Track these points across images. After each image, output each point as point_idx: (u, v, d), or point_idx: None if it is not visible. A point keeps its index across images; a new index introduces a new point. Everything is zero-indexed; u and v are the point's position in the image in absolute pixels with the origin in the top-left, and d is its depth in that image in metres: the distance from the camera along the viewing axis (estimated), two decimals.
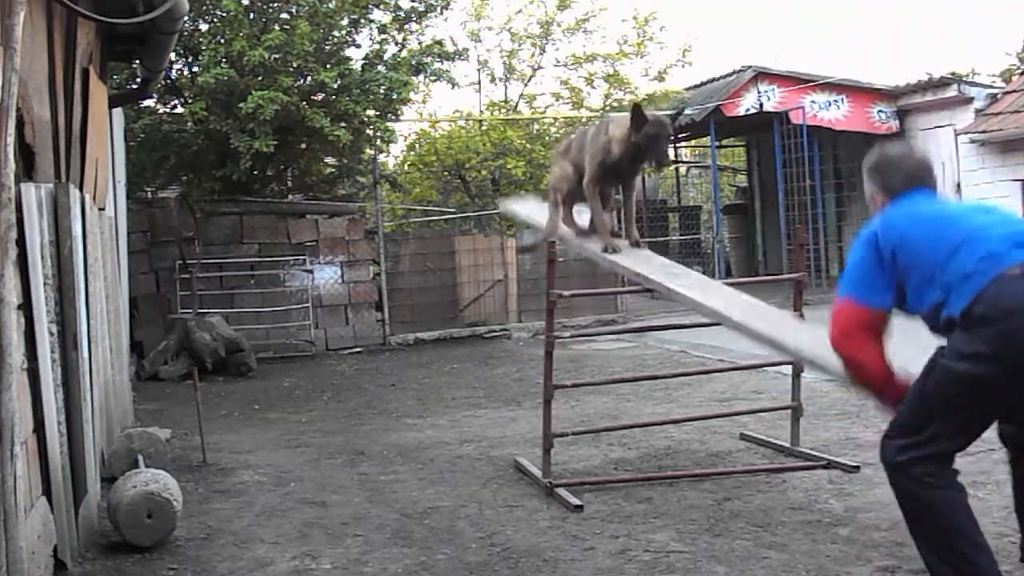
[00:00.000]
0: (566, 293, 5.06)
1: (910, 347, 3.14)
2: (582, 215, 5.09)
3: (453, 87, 12.05)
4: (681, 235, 18.10)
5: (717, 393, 7.06)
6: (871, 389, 3.19)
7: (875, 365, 3.10)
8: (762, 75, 14.37)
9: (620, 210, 5.51)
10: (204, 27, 10.60)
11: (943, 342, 2.97)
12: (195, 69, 10.46)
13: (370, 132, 11.00)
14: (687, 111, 14.95)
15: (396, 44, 11.46)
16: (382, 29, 11.33)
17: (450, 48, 11.74)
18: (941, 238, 2.97)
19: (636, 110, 4.69)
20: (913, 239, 3.03)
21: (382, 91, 10.54)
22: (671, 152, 5.03)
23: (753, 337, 4.00)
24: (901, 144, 3.28)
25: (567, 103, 16.16)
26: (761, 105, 14.29)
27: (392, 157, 15.90)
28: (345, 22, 10.95)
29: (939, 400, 2.91)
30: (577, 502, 4.33)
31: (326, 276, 11.61)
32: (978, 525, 2.91)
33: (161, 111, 11.03)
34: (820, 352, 3.50)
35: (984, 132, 12.41)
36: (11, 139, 3.04)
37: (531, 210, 5.79)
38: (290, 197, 12.59)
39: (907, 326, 3.13)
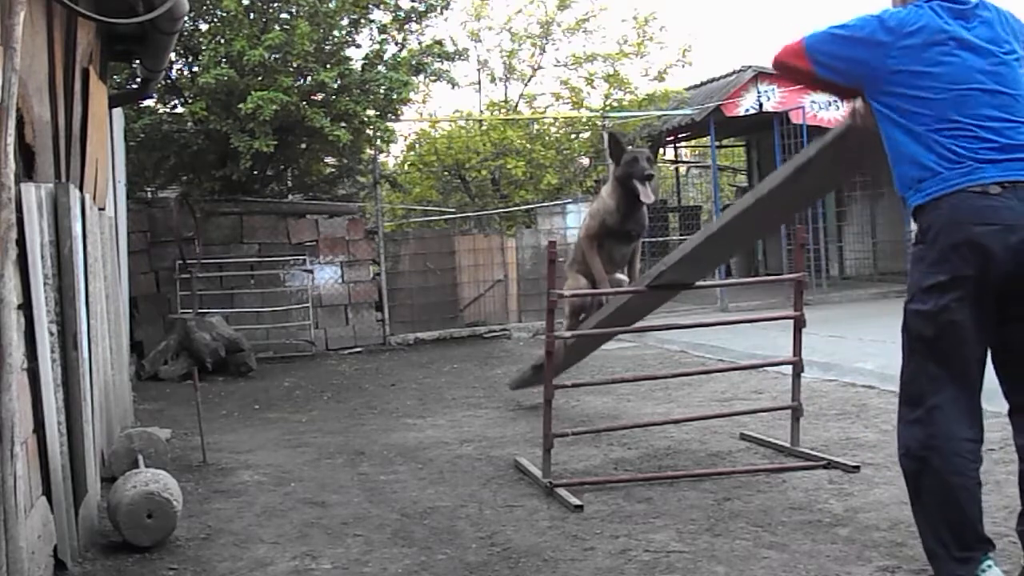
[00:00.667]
0: (567, 294, 5.07)
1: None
2: None
3: (453, 87, 12.08)
4: (681, 235, 18.05)
5: (717, 393, 7.06)
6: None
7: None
8: (762, 75, 14.35)
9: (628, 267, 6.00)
10: (204, 27, 10.60)
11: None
12: (195, 69, 10.45)
13: (370, 132, 11.00)
14: (687, 111, 14.98)
15: (396, 44, 11.46)
16: (382, 29, 11.34)
17: (450, 48, 11.74)
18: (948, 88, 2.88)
19: (612, 139, 4.94)
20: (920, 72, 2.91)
21: (382, 91, 10.54)
22: (654, 167, 5.38)
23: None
24: None
25: (567, 103, 16.17)
26: (761, 105, 14.29)
27: (392, 157, 15.93)
28: (345, 22, 10.95)
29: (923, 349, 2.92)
30: (577, 502, 4.33)
31: (326, 276, 11.61)
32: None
33: (161, 111, 11.03)
34: None
35: None
36: (11, 139, 3.04)
37: None
38: (290, 197, 12.59)
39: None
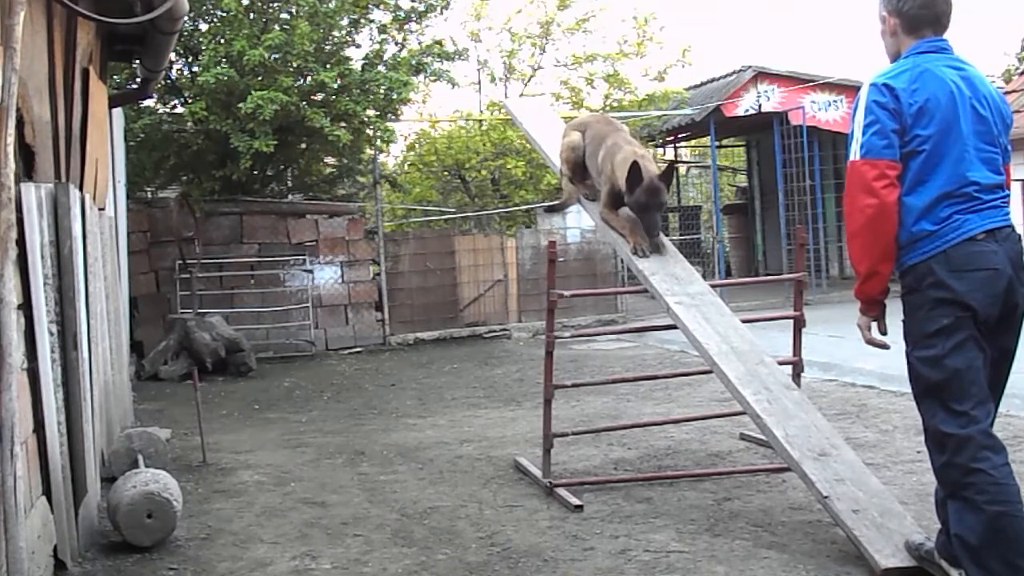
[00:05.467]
0: (566, 293, 5.06)
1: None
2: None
3: (453, 87, 12.08)
4: (681, 235, 18.09)
5: (717, 393, 7.05)
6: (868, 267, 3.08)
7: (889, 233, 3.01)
8: (762, 75, 14.37)
9: None
10: (204, 27, 10.61)
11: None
12: (195, 69, 10.46)
13: (370, 132, 11.01)
14: (687, 111, 14.98)
15: (396, 44, 11.47)
16: (382, 29, 11.34)
17: (450, 48, 11.74)
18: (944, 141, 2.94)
19: (634, 168, 4.44)
20: (927, 124, 2.96)
21: (382, 91, 10.54)
22: (664, 204, 4.81)
23: (720, 377, 4.18)
24: None
25: (567, 103, 16.16)
26: (760, 105, 14.29)
27: (392, 157, 15.94)
28: (345, 22, 10.95)
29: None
30: (577, 502, 4.33)
31: (326, 276, 11.61)
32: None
33: (161, 111, 11.03)
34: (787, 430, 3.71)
35: None
36: (11, 139, 3.04)
37: (535, 123, 5.77)
38: (290, 197, 12.60)
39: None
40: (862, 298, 3.14)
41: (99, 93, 5.50)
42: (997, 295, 2.91)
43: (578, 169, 5.11)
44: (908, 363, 3.05)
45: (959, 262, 2.90)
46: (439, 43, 11.53)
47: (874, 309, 3.13)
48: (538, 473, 4.80)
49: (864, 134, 3.00)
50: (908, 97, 2.97)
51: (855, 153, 3.04)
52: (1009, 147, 3.13)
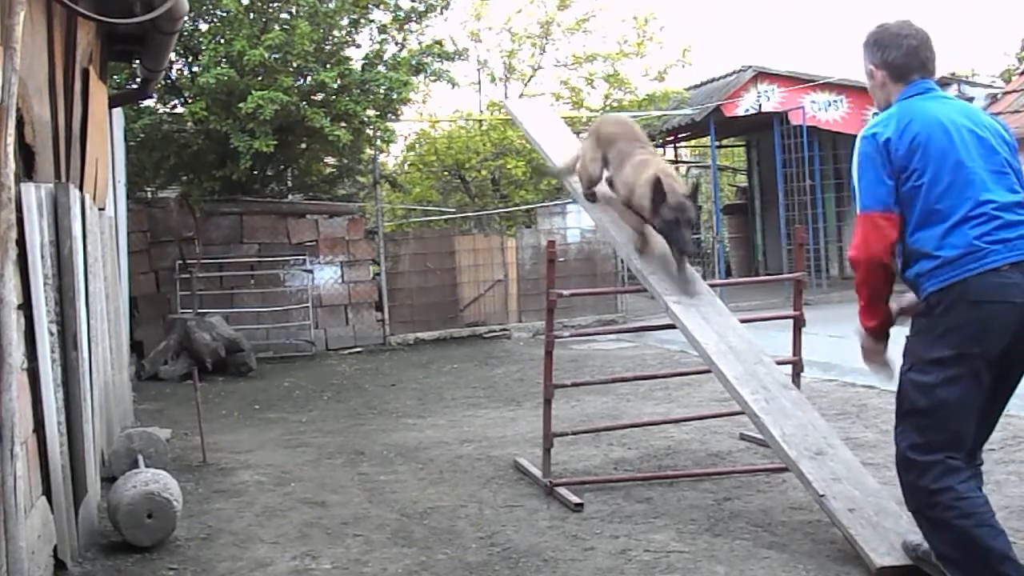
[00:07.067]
0: (566, 293, 5.06)
1: None
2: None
3: (453, 87, 12.08)
4: None
5: (717, 393, 7.04)
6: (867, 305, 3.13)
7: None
8: (762, 75, 14.37)
9: None
10: (204, 27, 10.60)
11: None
12: (195, 69, 10.46)
13: (370, 132, 11.01)
14: (687, 111, 14.98)
15: (396, 44, 11.47)
16: (382, 29, 11.34)
17: (450, 48, 11.74)
18: (945, 176, 2.94)
19: (657, 185, 4.27)
20: (923, 165, 2.97)
21: (382, 91, 10.54)
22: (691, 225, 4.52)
23: (718, 377, 4.20)
24: (900, 20, 3.16)
25: (567, 103, 16.16)
26: (760, 105, 14.29)
27: (392, 157, 15.93)
28: (345, 22, 10.95)
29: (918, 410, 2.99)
30: (577, 501, 4.33)
31: (326, 276, 11.61)
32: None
33: (161, 111, 11.03)
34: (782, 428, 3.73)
35: None
36: (11, 139, 3.04)
37: (536, 123, 5.71)
38: (290, 197, 12.59)
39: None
40: (866, 327, 3.18)
41: (99, 93, 5.50)
42: (1010, 328, 2.87)
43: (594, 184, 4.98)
44: (900, 382, 3.05)
45: (979, 292, 2.87)
46: (439, 43, 11.53)
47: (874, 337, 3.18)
48: (538, 473, 4.80)
49: (860, 187, 3.06)
50: (897, 139, 2.99)
51: (857, 206, 3.10)
52: (1022, 170, 3.10)
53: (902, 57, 3.11)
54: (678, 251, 4.51)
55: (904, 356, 3.05)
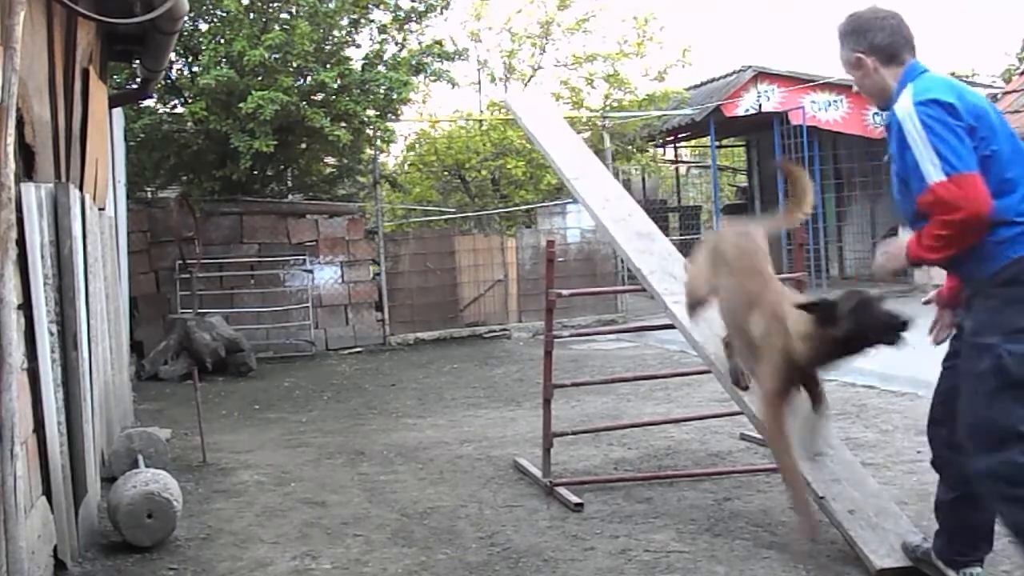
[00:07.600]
0: (566, 293, 5.06)
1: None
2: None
3: (453, 87, 12.07)
4: (681, 235, 18.08)
5: (717, 393, 7.03)
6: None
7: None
8: (762, 75, 14.37)
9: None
10: (204, 27, 10.60)
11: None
12: (195, 69, 10.46)
13: (370, 132, 11.01)
14: (687, 111, 14.98)
15: (396, 44, 11.46)
16: (382, 29, 11.33)
17: (450, 48, 11.74)
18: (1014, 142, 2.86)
19: (815, 310, 3.23)
20: (990, 122, 2.85)
21: (382, 91, 10.54)
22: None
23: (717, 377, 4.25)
24: (869, 6, 3.08)
25: (567, 103, 16.17)
26: (760, 105, 14.29)
27: (392, 157, 15.93)
28: (345, 22, 10.95)
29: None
30: (577, 501, 4.33)
31: (326, 276, 11.61)
32: None
33: (161, 111, 11.03)
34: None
35: None
36: (11, 139, 3.04)
37: (536, 118, 5.64)
38: (290, 197, 12.59)
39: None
40: (921, 260, 2.92)
41: (99, 93, 5.50)
42: None
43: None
44: (992, 356, 2.79)
45: None
46: (439, 43, 11.53)
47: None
48: (538, 473, 4.80)
49: (943, 151, 2.76)
50: (961, 105, 2.83)
51: (935, 174, 2.77)
52: None
53: (888, 37, 3.03)
54: (889, 343, 3.17)
55: (989, 331, 2.82)
